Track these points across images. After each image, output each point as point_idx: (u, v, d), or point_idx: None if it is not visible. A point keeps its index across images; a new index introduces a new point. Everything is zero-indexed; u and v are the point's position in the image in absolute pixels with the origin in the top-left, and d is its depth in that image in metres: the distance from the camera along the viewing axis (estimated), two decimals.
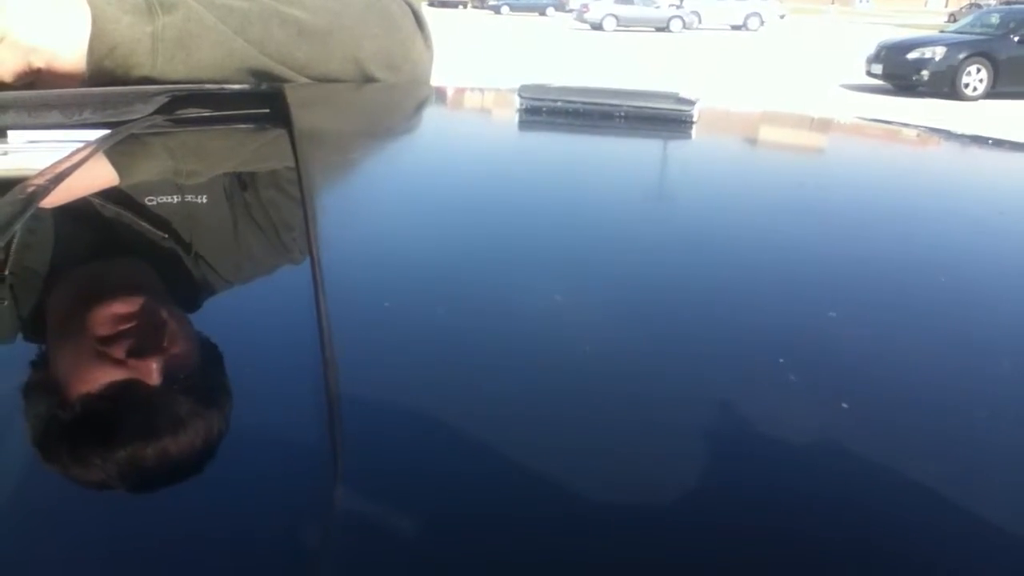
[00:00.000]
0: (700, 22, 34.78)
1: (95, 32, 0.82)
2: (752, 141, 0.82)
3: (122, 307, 0.40)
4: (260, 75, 0.90)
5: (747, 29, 35.46)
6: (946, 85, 13.26)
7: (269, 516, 0.27)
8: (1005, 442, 0.32)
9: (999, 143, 0.87)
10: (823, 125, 0.95)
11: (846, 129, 0.96)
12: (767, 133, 0.86)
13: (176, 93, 0.82)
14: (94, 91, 0.85)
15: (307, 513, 0.27)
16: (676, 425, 0.32)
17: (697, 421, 0.33)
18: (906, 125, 0.97)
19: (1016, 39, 13.42)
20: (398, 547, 0.26)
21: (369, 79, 0.96)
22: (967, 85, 13.34)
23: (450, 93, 0.96)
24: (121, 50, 0.84)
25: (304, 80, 0.93)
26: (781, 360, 0.36)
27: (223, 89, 0.86)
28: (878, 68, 14.14)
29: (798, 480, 0.30)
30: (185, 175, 0.70)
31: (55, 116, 0.78)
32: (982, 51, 13.43)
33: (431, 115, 0.89)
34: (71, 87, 0.82)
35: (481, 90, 1.11)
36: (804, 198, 0.62)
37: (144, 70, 0.86)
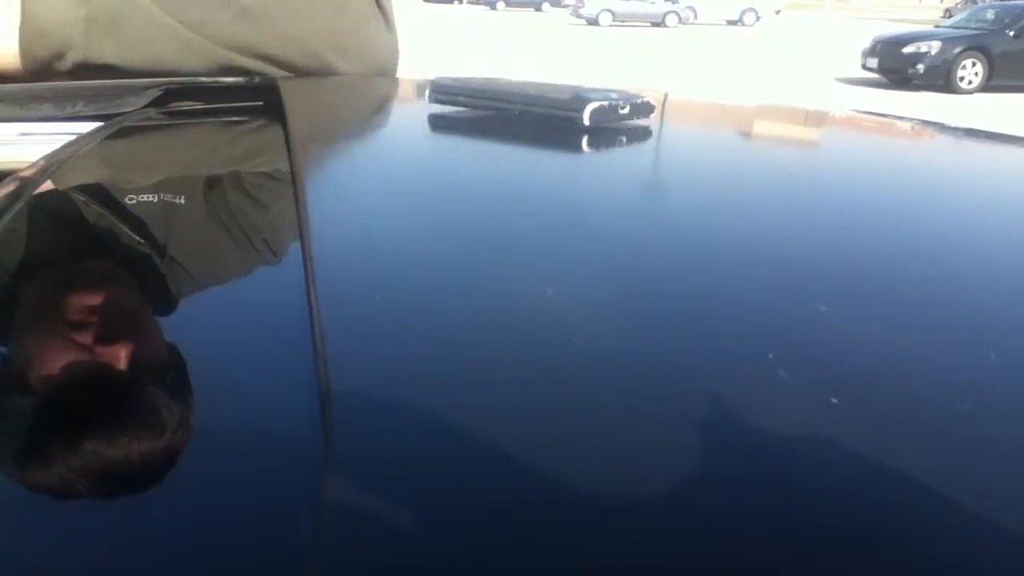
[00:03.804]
0: (696, 17, 34.75)
1: (26, 17, 0.83)
2: (743, 134, 0.82)
3: (106, 300, 0.40)
4: (200, 58, 0.89)
5: (743, 24, 35.44)
6: (941, 79, 13.27)
7: (258, 511, 0.27)
8: (999, 436, 0.32)
9: (993, 136, 0.87)
10: (815, 118, 0.95)
11: (839, 122, 0.96)
12: (757, 127, 0.86)
13: (169, 86, 0.82)
14: (86, 84, 0.84)
15: (297, 508, 0.27)
16: (662, 418, 0.32)
17: (685, 414, 0.33)
18: (900, 118, 0.97)
19: (1011, 34, 13.44)
20: (389, 543, 0.25)
21: (324, 66, 0.92)
22: (962, 79, 13.35)
23: (455, 85, 0.96)
24: (55, 34, 0.84)
25: (249, 62, 0.91)
26: (771, 355, 0.36)
27: (217, 82, 0.86)
28: (874, 62, 14.15)
29: (791, 475, 0.30)
30: (177, 168, 0.69)
31: (47, 108, 0.78)
32: (977, 45, 13.45)
33: (426, 110, 0.88)
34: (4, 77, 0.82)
35: (486, 81, 1.11)
36: (795, 191, 0.62)
37: (77, 53, 0.86)
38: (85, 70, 0.89)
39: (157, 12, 0.87)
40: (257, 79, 0.87)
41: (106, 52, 0.87)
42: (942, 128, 0.96)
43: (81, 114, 0.76)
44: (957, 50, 13.36)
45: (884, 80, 14.05)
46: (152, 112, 0.79)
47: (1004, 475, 0.30)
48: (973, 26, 14.42)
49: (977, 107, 11.53)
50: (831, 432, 0.32)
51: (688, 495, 0.28)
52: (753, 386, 0.34)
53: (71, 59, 0.86)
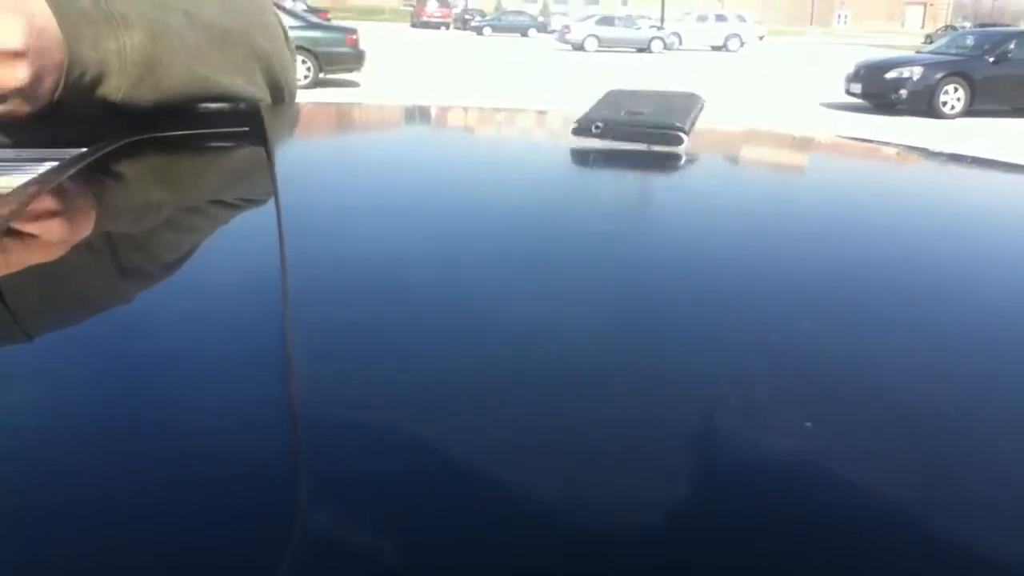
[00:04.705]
0: (681, 43, 35.17)
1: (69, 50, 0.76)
2: (729, 158, 0.82)
3: (81, 318, 0.40)
4: (215, 98, 0.87)
5: (727, 50, 35.89)
6: (924, 103, 13.45)
7: (228, 524, 0.27)
8: (984, 443, 0.32)
9: (977, 161, 0.87)
10: (800, 143, 0.96)
11: (825, 147, 0.96)
12: (747, 152, 0.87)
13: (158, 111, 0.82)
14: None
15: (267, 522, 0.27)
16: (646, 433, 0.32)
17: (670, 428, 0.32)
18: (886, 144, 0.98)
19: (991, 59, 13.65)
20: (362, 554, 0.25)
21: (251, 95, 0.91)
22: (945, 103, 13.54)
23: (433, 112, 0.96)
24: (91, 74, 0.78)
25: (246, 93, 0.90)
26: (746, 374, 0.36)
27: (202, 108, 0.86)
28: (857, 87, 14.34)
29: (782, 491, 0.29)
30: (160, 193, 0.69)
31: (33, 133, 0.77)
32: (959, 71, 13.65)
33: (409, 133, 0.89)
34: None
35: (464, 108, 1.11)
36: (780, 214, 0.63)
37: (112, 95, 0.80)
38: (124, 107, 0.82)
39: (186, 53, 0.84)
40: (241, 104, 0.87)
41: (143, 97, 0.81)
42: (928, 153, 0.97)
43: (68, 139, 0.76)
44: (939, 75, 13.56)
45: (868, 105, 14.23)
46: (135, 137, 0.78)
47: (990, 486, 0.29)
48: (954, 52, 14.65)
49: (961, 131, 11.68)
50: (813, 448, 0.31)
51: (669, 517, 0.28)
52: (739, 400, 0.34)
53: (103, 100, 0.80)
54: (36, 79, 0.74)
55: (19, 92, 0.74)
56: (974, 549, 0.27)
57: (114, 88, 0.80)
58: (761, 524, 0.28)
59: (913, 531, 0.27)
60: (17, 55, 0.71)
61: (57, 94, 0.77)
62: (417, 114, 0.88)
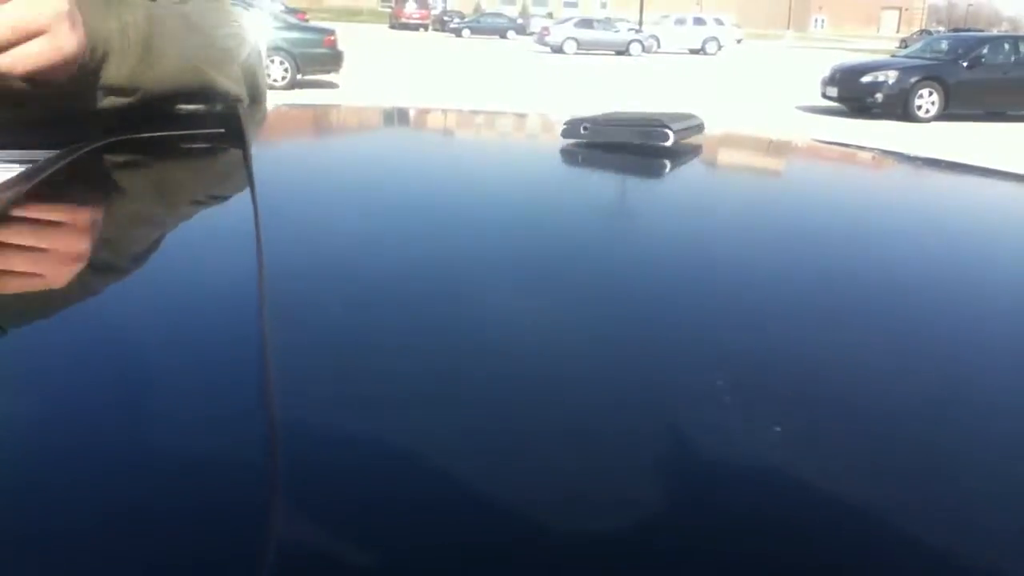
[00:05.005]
0: (659, 46, 35.28)
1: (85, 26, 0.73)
2: (706, 163, 0.82)
3: (54, 320, 0.39)
4: (200, 90, 0.86)
5: (705, 53, 36.04)
6: (899, 107, 13.57)
7: (203, 530, 0.27)
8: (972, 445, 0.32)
9: (951, 165, 0.88)
10: (776, 147, 0.96)
11: (800, 151, 0.97)
12: (720, 154, 0.87)
13: (136, 112, 0.81)
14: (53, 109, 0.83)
15: (242, 527, 0.27)
16: (627, 440, 0.32)
17: (655, 431, 0.33)
18: (861, 148, 0.99)
19: (965, 64, 13.80)
20: (338, 563, 0.25)
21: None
22: (919, 107, 13.67)
23: (416, 114, 0.96)
24: (99, 52, 0.76)
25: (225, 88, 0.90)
26: (719, 382, 0.36)
27: (180, 109, 0.85)
28: (833, 91, 14.44)
29: (770, 499, 0.29)
30: (137, 193, 0.69)
31: (11, 134, 0.77)
32: (933, 75, 13.79)
33: (392, 135, 0.88)
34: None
35: (447, 110, 1.11)
36: (756, 218, 0.63)
37: (113, 78, 0.78)
38: (120, 93, 0.81)
39: (182, 39, 0.83)
40: (219, 106, 0.87)
41: (143, 81, 0.80)
42: (902, 157, 0.98)
43: (47, 140, 0.75)
44: (913, 79, 13.68)
45: (844, 108, 14.33)
46: (115, 138, 0.78)
47: (991, 487, 0.30)
48: (928, 56, 14.79)
49: (935, 135, 11.79)
50: (812, 445, 0.32)
51: (658, 517, 0.28)
52: (729, 399, 0.34)
53: (107, 81, 0.78)
54: (58, 56, 0.72)
55: (41, 70, 0.72)
56: (972, 549, 0.27)
57: (114, 69, 0.79)
58: (759, 523, 0.27)
59: (912, 530, 0.28)
60: (41, 31, 0.70)
61: (74, 71, 0.74)
62: (399, 116, 0.88)
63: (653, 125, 0.70)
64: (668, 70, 23.41)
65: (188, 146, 0.81)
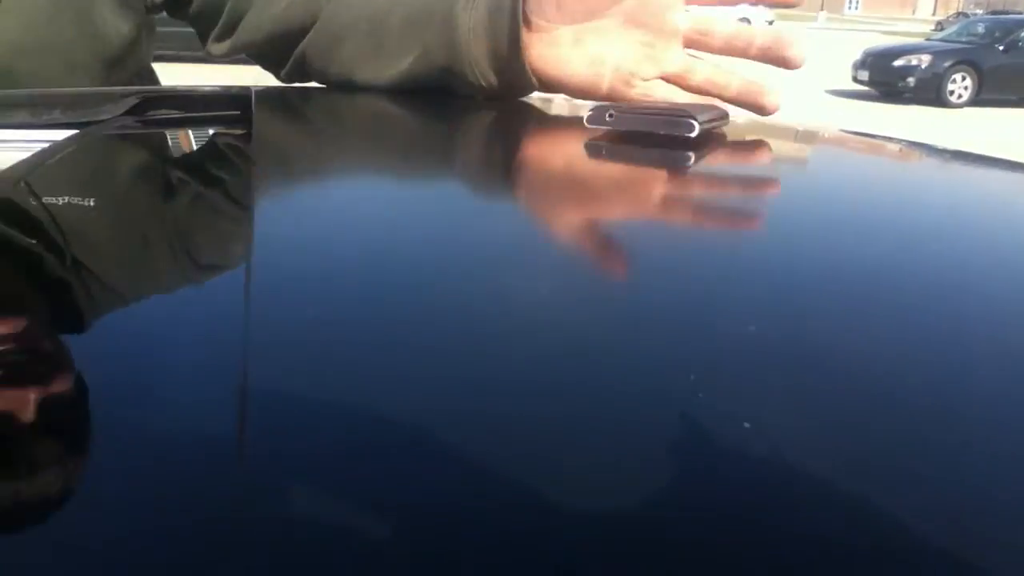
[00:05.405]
0: None
1: None
2: (726, 150, 0.81)
3: (41, 310, 0.39)
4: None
5: None
6: (931, 92, 13.38)
7: (172, 520, 0.27)
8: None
9: (981, 159, 0.86)
10: (801, 136, 0.95)
11: (820, 140, 0.95)
12: (739, 143, 0.85)
13: (148, 94, 0.81)
14: (64, 91, 0.83)
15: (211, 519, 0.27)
16: (621, 439, 0.31)
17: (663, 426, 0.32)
18: (889, 139, 0.96)
19: (1001, 48, 13.56)
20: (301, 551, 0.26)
21: None
22: (952, 92, 13.47)
23: (435, 100, 0.95)
24: None
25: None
26: (692, 376, 0.35)
27: (193, 90, 0.85)
28: (864, 75, 14.26)
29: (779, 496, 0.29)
30: (143, 177, 0.68)
31: (22, 115, 0.77)
32: (967, 59, 13.57)
33: (410, 120, 0.88)
34: None
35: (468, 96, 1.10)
36: (774, 208, 0.62)
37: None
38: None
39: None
40: (233, 88, 0.86)
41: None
42: (931, 149, 0.96)
43: (58, 121, 0.76)
44: (947, 64, 13.48)
45: (874, 93, 14.15)
46: (129, 120, 0.77)
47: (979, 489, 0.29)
48: (964, 40, 14.56)
49: (967, 121, 11.62)
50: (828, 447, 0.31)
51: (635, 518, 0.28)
52: (736, 394, 0.34)
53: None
54: None
55: None
56: (974, 550, 0.28)
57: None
58: (767, 526, 0.28)
59: (924, 532, 0.28)
60: None
61: None
62: (417, 101, 0.87)
63: (679, 115, 0.69)
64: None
65: (198, 128, 0.80)
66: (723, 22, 0.72)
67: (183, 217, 0.55)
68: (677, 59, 0.72)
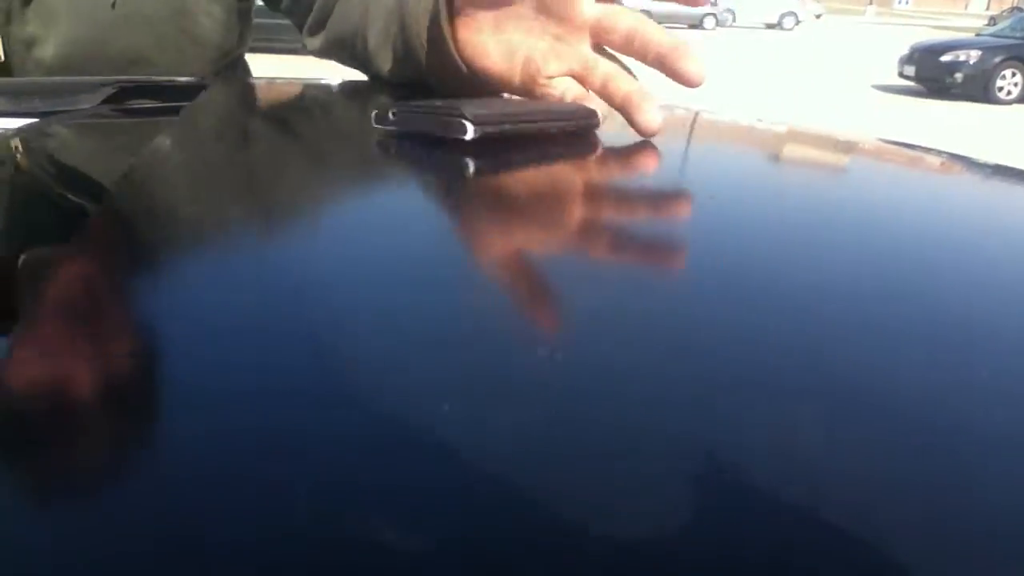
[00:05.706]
0: (734, 20, 34.62)
1: None
2: (752, 156, 0.77)
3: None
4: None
5: (782, 28, 35.27)
6: (979, 89, 13.09)
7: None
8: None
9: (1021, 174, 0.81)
10: (833, 145, 0.90)
11: (850, 149, 0.90)
12: (767, 149, 0.81)
13: (125, 84, 0.80)
14: (42, 80, 0.82)
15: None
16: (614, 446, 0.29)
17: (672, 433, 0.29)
18: (928, 150, 0.91)
19: None
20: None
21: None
22: (1001, 89, 13.16)
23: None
24: None
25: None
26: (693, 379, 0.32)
27: (173, 82, 0.84)
28: (911, 70, 13.99)
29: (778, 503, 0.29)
30: (108, 166, 0.67)
31: (1, 103, 0.76)
32: (1018, 55, 13.24)
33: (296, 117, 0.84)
34: None
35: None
36: (799, 220, 0.58)
37: None
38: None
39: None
40: (204, 78, 0.85)
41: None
42: (970, 163, 0.90)
43: (36, 110, 0.75)
44: (997, 60, 13.17)
45: (921, 88, 13.88)
46: (105, 109, 0.76)
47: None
48: (1017, 36, 14.21)
49: (1015, 118, 11.34)
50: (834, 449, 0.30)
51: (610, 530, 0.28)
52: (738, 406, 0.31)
53: None
54: None
55: None
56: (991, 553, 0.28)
57: None
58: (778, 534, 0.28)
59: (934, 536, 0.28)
60: None
61: None
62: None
63: (454, 115, 0.58)
64: (741, 45, 22.96)
65: (150, 119, 0.79)
66: (627, 16, 0.66)
67: (147, 205, 0.53)
68: (581, 56, 0.66)
